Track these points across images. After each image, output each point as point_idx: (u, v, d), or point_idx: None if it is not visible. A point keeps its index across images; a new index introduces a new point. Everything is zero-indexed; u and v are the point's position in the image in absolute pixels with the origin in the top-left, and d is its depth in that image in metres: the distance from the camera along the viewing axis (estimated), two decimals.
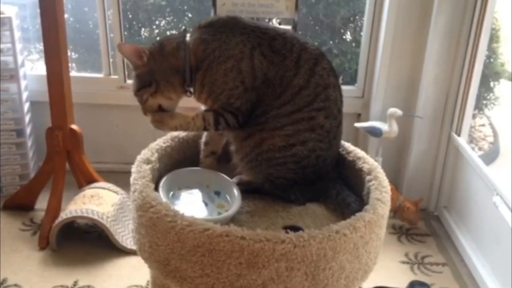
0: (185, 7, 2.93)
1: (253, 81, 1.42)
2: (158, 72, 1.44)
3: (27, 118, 2.53)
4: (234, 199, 1.45)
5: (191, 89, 1.46)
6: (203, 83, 1.44)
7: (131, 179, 1.42)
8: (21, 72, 2.47)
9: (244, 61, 1.41)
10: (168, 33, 2.96)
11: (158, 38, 1.57)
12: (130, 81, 2.65)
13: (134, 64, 1.45)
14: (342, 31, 2.90)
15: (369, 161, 1.53)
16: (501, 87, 3.24)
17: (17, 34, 2.42)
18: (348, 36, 2.91)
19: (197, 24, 1.48)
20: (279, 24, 2.49)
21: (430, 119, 2.46)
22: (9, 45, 2.38)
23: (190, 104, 1.52)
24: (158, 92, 1.44)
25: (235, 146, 1.51)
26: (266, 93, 1.43)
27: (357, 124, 2.50)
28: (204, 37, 1.43)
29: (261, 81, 1.42)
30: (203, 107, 1.50)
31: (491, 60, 3.15)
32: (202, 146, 1.59)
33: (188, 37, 1.45)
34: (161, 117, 1.47)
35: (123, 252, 2.16)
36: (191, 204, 1.43)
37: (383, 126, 2.40)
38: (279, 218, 1.44)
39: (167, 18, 2.95)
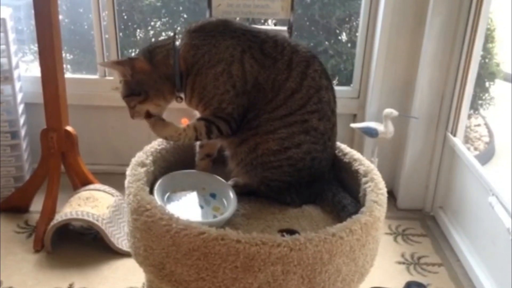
0: (181, 8, 2.92)
1: (244, 85, 1.41)
2: (148, 83, 1.43)
3: (21, 120, 2.52)
4: (230, 202, 1.44)
5: (182, 95, 1.46)
6: (193, 88, 1.43)
7: (126, 182, 1.41)
8: (16, 73, 2.46)
9: (235, 64, 1.40)
10: (163, 34, 2.96)
11: (150, 41, 1.55)
12: None
13: (120, 74, 1.45)
14: (337, 31, 2.89)
15: (365, 163, 1.52)
16: (496, 87, 3.25)
17: (11, 36, 2.41)
18: (343, 37, 2.91)
19: (187, 27, 1.47)
20: (275, 25, 2.48)
21: (425, 120, 2.46)
22: (3, 46, 2.36)
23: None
24: (147, 100, 1.44)
25: (230, 152, 1.51)
26: (257, 97, 1.42)
27: (352, 125, 2.50)
28: (194, 43, 1.42)
29: (252, 85, 1.41)
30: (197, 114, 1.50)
31: (486, 60, 3.15)
32: (197, 149, 1.58)
33: (178, 41, 1.44)
34: (154, 125, 1.46)
35: (118, 254, 2.15)
36: (187, 207, 1.42)
37: (378, 127, 2.39)
38: (275, 221, 1.44)
39: (163, 19, 2.94)
